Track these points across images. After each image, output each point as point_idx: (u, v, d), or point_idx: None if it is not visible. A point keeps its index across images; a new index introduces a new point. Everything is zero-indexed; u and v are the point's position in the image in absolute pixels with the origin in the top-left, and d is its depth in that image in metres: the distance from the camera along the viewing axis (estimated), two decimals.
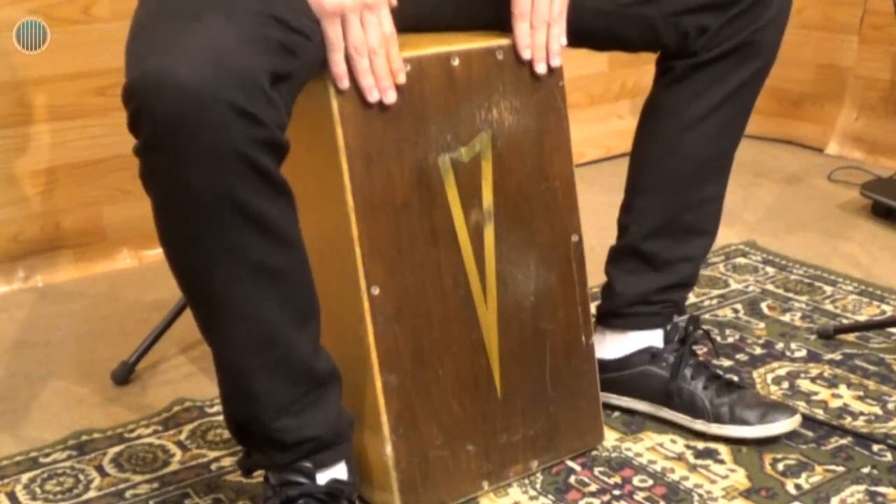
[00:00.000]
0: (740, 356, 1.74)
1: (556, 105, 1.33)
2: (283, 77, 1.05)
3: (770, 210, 2.47)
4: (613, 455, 1.46)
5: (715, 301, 1.96)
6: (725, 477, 1.41)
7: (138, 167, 1.04)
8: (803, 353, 1.75)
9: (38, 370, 1.75)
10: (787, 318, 1.89)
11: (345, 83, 1.16)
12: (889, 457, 1.44)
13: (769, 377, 1.67)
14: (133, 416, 1.59)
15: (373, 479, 1.31)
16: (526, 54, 1.28)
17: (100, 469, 1.46)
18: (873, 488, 1.38)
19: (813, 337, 1.81)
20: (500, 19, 1.30)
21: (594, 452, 1.46)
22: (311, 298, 1.16)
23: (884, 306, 1.93)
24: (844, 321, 1.86)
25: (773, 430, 1.45)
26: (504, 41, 1.28)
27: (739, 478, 1.41)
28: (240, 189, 1.03)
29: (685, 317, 1.55)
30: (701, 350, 1.69)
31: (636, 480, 1.41)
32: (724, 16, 1.37)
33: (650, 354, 1.52)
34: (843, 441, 1.48)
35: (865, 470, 1.42)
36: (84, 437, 1.53)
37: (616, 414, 1.55)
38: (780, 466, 1.43)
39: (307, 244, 1.14)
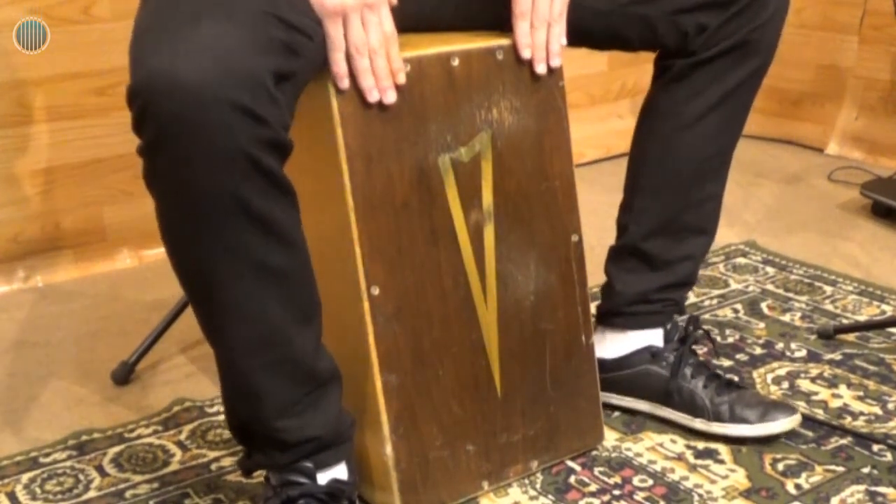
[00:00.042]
0: (740, 356, 1.74)
1: (556, 105, 1.33)
2: (286, 77, 1.05)
3: (770, 210, 2.47)
4: (613, 455, 1.46)
5: (715, 301, 1.96)
6: (725, 477, 1.41)
7: (142, 167, 1.04)
8: (803, 353, 1.75)
9: (38, 370, 1.75)
10: (787, 318, 1.89)
11: (345, 83, 1.16)
12: (889, 457, 1.44)
13: (769, 377, 1.67)
14: (133, 416, 1.59)
15: (373, 479, 1.31)
16: (526, 54, 1.28)
17: (100, 469, 1.46)
18: (873, 488, 1.38)
19: (813, 337, 1.81)
20: (499, 19, 1.30)
21: (594, 452, 1.46)
22: (313, 298, 1.16)
23: (884, 306, 1.93)
24: (844, 321, 1.86)
25: (774, 429, 1.45)
26: (504, 41, 1.28)
27: (739, 478, 1.41)
28: (244, 189, 1.03)
29: (685, 316, 1.56)
30: (701, 350, 1.69)
31: (636, 480, 1.41)
32: (723, 14, 1.37)
33: (650, 353, 1.52)
34: (843, 441, 1.48)
35: (865, 470, 1.42)
36: (84, 437, 1.53)
37: (616, 414, 1.55)
38: (780, 466, 1.43)
39: (307, 244, 1.14)
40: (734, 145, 1.49)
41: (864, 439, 1.48)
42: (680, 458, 1.45)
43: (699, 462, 1.44)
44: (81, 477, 1.44)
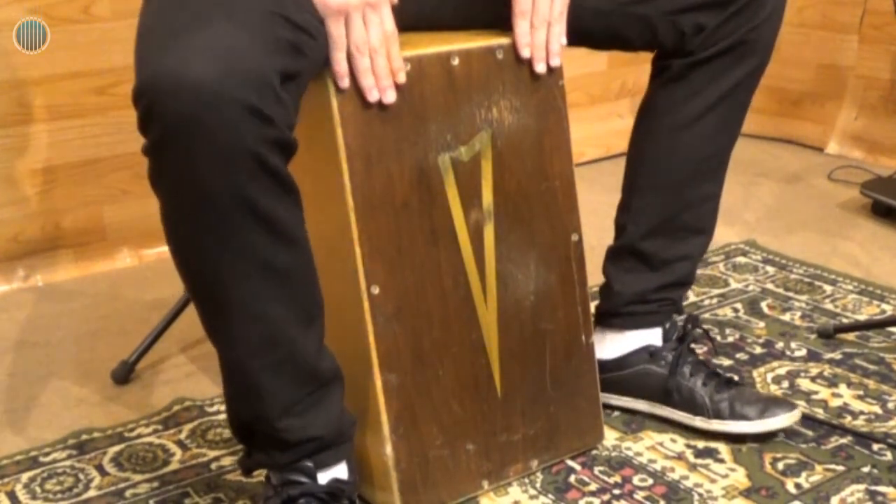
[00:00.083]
0: (740, 355, 1.74)
1: (556, 104, 1.33)
2: (291, 76, 1.06)
3: (770, 209, 2.47)
4: (613, 454, 1.46)
5: (715, 300, 1.96)
6: (725, 476, 1.41)
7: (148, 167, 1.04)
8: (803, 352, 1.75)
9: (39, 370, 1.75)
10: (787, 317, 1.89)
11: (345, 82, 1.16)
12: (889, 456, 1.45)
13: (769, 376, 1.67)
14: (133, 416, 1.59)
15: (373, 479, 1.31)
16: (525, 53, 1.28)
17: (100, 468, 1.46)
18: (873, 487, 1.38)
19: (813, 336, 1.81)
20: (500, 18, 1.30)
21: (594, 452, 1.46)
22: (316, 298, 1.16)
23: (884, 305, 1.93)
24: (844, 320, 1.86)
25: (774, 425, 1.45)
26: (504, 40, 1.28)
27: (739, 477, 1.41)
28: (250, 188, 1.03)
29: (683, 316, 1.56)
30: (701, 349, 1.69)
31: (636, 480, 1.41)
32: (721, 14, 1.37)
33: (648, 353, 1.52)
34: (843, 440, 1.48)
35: (865, 469, 1.42)
36: (84, 437, 1.53)
37: (616, 413, 1.55)
38: (780, 465, 1.43)
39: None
40: (732, 145, 1.49)
41: (864, 438, 1.48)
42: (680, 457, 1.45)
43: (699, 461, 1.44)
44: (81, 476, 1.44)
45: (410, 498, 1.29)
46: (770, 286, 2.02)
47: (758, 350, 1.76)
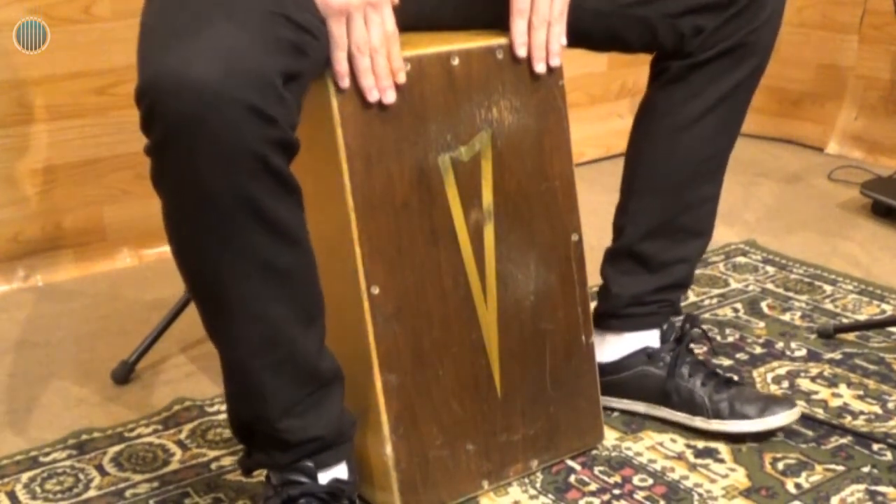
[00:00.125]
0: (740, 355, 1.74)
1: (556, 104, 1.33)
2: (294, 76, 1.06)
3: (770, 209, 2.47)
4: (613, 454, 1.46)
5: (715, 300, 1.96)
6: (725, 476, 1.41)
7: (150, 167, 1.04)
8: (803, 352, 1.75)
9: (39, 370, 1.75)
10: (787, 317, 1.89)
11: (346, 82, 1.16)
12: (889, 456, 1.45)
13: (769, 376, 1.67)
14: (133, 416, 1.59)
15: (373, 479, 1.31)
16: (521, 52, 1.28)
17: (100, 468, 1.46)
18: (873, 487, 1.38)
19: (813, 336, 1.81)
20: (500, 18, 1.30)
21: (594, 452, 1.46)
22: (317, 298, 1.16)
23: (884, 306, 1.93)
24: (844, 320, 1.86)
25: (774, 423, 1.45)
26: (504, 40, 1.28)
27: (739, 477, 1.41)
28: (253, 188, 1.03)
29: (681, 316, 1.55)
30: (700, 349, 1.69)
31: (636, 480, 1.41)
32: (721, 16, 1.37)
33: (646, 355, 1.52)
34: (843, 440, 1.48)
35: (865, 469, 1.42)
36: (84, 437, 1.53)
37: (616, 413, 1.56)
38: (780, 465, 1.43)
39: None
40: (731, 147, 1.49)
41: (863, 438, 1.48)
42: (680, 457, 1.45)
43: (699, 461, 1.44)
44: (81, 476, 1.44)
45: (410, 498, 1.29)
46: (770, 286, 2.02)
47: (758, 350, 1.76)
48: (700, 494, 1.37)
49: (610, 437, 1.50)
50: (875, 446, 1.47)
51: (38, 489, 1.41)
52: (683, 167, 1.46)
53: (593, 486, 1.39)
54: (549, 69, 1.30)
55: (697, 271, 1.71)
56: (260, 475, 1.33)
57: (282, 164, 1.04)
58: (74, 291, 2.07)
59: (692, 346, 1.54)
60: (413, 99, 1.22)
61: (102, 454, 1.49)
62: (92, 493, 1.41)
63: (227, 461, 1.46)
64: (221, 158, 1.00)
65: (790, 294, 1.98)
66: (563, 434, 1.42)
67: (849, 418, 1.55)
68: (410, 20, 1.26)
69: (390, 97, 1.19)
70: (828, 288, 2.01)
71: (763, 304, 1.94)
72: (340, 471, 1.24)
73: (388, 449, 1.27)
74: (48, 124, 2.08)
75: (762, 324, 1.86)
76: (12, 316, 1.97)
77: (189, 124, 0.98)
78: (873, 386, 1.64)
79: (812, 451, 1.46)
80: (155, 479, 1.43)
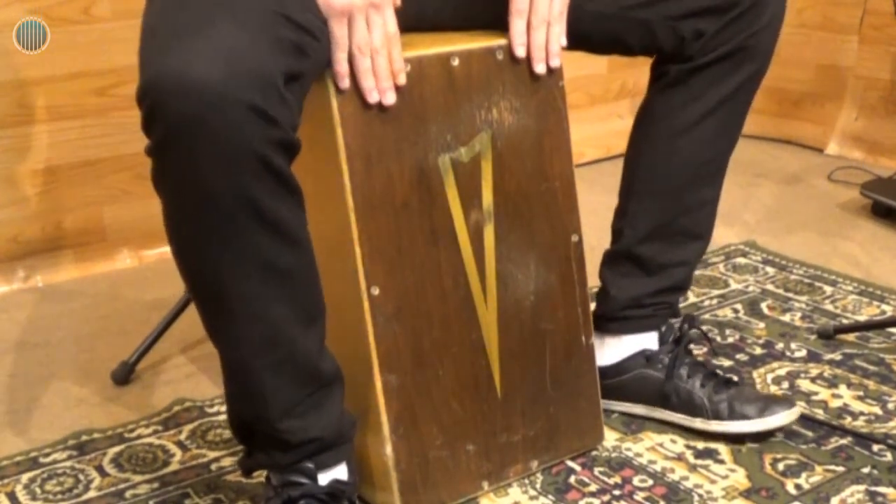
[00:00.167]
0: (740, 356, 1.74)
1: (556, 105, 1.33)
2: (295, 77, 1.06)
3: (770, 210, 2.47)
4: (613, 455, 1.46)
5: (715, 301, 1.96)
6: (725, 477, 1.41)
7: (151, 168, 1.04)
8: (803, 353, 1.75)
9: (39, 370, 1.75)
10: (787, 318, 1.89)
11: (346, 83, 1.16)
12: (889, 457, 1.45)
13: (769, 377, 1.67)
14: (133, 416, 1.59)
15: (373, 480, 1.31)
16: (520, 52, 1.28)
17: (100, 469, 1.46)
18: (873, 488, 1.38)
19: (813, 337, 1.81)
20: (500, 19, 1.30)
21: (594, 452, 1.46)
22: (318, 299, 1.16)
23: (884, 306, 1.93)
24: (844, 321, 1.86)
25: (774, 423, 1.45)
26: (504, 41, 1.28)
27: (739, 478, 1.41)
28: (254, 189, 1.03)
29: (680, 318, 1.55)
30: (700, 350, 1.69)
31: (636, 480, 1.41)
32: (721, 20, 1.37)
33: (645, 357, 1.52)
34: (843, 441, 1.48)
35: (865, 470, 1.42)
36: (84, 437, 1.53)
37: (616, 414, 1.55)
38: (780, 466, 1.43)
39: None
40: (731, 150, 1.49)
41: (864, 439, 1.48)
42: (680, 458, 1.45)
43: (699, 462, 1.44)
44: (81, 477, 1.44)
45: (410, 498, 1.29)
46: (770, 287, 2.02)
47: (758, 351, 1.76)
48: (700, 495, 1.37)
49: (610, 437, 1.50)
50: (875, 447, 1.47)
51: (38, 490, 1.41)
52: (683, 170, 1.46)
53: (593, 487, 1.39)
54: (549, 70, 1.30)
55: (697, 272, 1.71)
56: (260, 476, 1.33)
57: (283, 165, 1.04)
58: (74, 292, 2.07)
59: (691, 347, 1.54)
60: (413, 99, 1.22)
61: (102, 455, 1.49)
62: (92, 493, 1.41)
63: (228, 462, 1.46)
64: (223, 159, 1.00)
65: (790, 295, 1.98)
66: (563, 435, 1.42)
67: (849, 419, 1.55)
68: (411, 21, 1.26)
69: (390, 98, 1.19)
70: (828, 289, 2.01)
71: (763, 305, 1.94)
72: (340, 471, 1.24)
73: (388, 449, 1.27)
74: (48, 125, 2.08)
75: (762, 324, 1.86)
76: (12, 316, 1.97)
77: (190, 125, 0.98)
78: (873, 387, 1.64)
79: (812, 451, 1.46)
80: (155, 480, 1.43)
